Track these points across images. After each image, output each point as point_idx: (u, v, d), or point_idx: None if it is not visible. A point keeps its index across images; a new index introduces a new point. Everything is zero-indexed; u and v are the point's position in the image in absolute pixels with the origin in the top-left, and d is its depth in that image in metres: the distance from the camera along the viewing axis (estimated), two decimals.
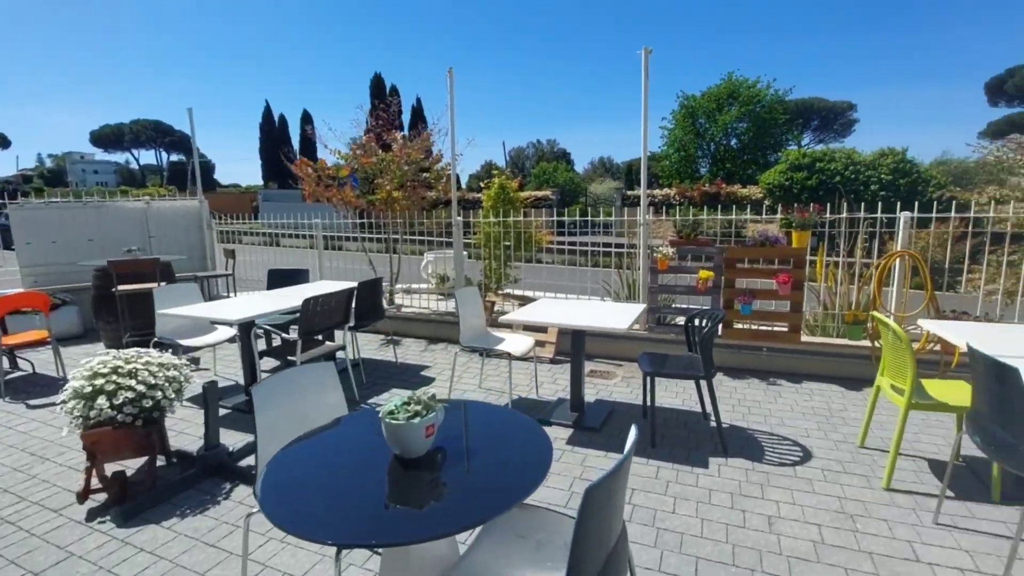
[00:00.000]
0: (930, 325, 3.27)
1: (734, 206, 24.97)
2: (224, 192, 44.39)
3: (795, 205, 4.76)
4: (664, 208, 27.50)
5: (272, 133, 45.80)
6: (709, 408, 3.69)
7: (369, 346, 6.09)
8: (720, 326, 4.93)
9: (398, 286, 7.32)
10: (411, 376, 5.02)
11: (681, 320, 5.11)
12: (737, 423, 3.85)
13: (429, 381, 4.89)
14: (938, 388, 3.07)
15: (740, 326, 5.01)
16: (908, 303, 4.60)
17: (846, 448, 3.44)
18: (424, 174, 7.17)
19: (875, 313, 3.22)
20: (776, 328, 4.94)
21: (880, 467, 3.16)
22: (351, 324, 4.70)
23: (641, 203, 5.51)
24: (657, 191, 29.33)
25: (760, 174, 23.38)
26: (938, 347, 4.32)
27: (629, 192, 29.81)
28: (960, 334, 2.99)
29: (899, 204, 4.74)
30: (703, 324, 3.64)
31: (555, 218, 6.57)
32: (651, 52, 5.03)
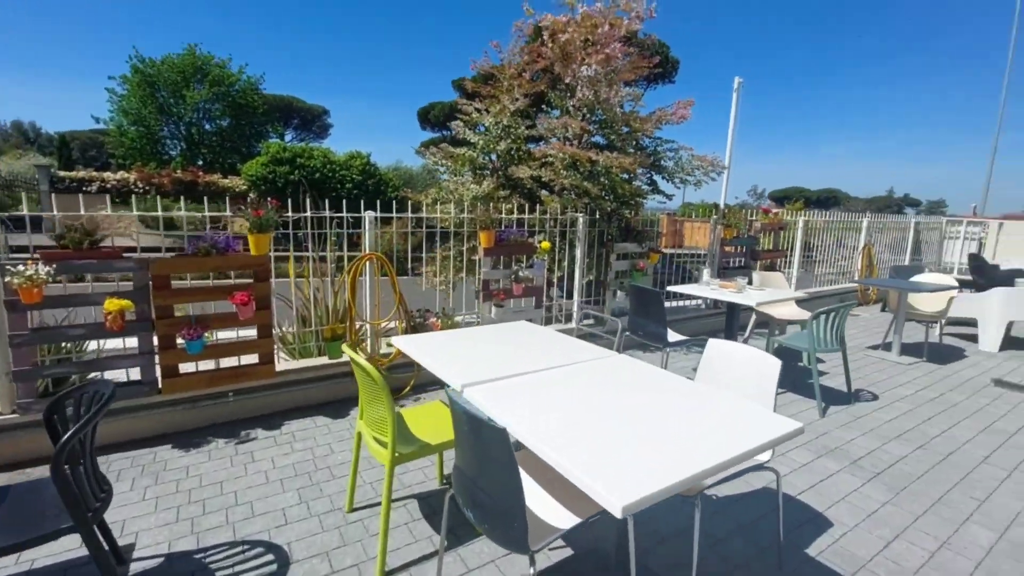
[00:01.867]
0: (401, 343, 2.83)
1: (216, 198, 22.40)
2: None
3: (251, 200, 3.64)
4: (122, 196, 21.68)
5: None
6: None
7: None
8: (153, 383, 3.29)
9: None
10: None
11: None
12: (181, 547, 2.41)
13: None
14: (421, 418, 2.63)
15: (191, 369, 3.53)
16: (383, 308, 4.35)
17: (333, 520, 2.63)
18: None
19: (346, 349, 2.45)
20: (244, 363, 3.75)
21: (374, 540, 2.48)
22: None
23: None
24: (110, 174, 22.80)
25: (243, 164, 21.71)
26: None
27: (64, 173, 21.86)
28: (425, 350, 2.62)
29: (363, 203, 4.39)
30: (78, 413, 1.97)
31: None
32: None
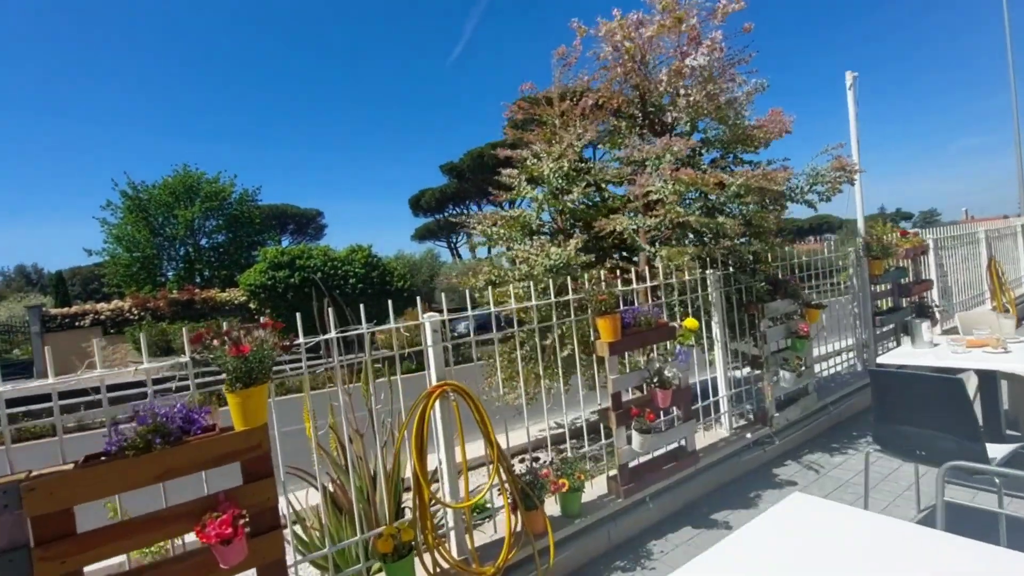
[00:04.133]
0: None
1: (213, 314, 21.01)
2: None
3: (226, 328, 1.99)
4: (117, 325, 20.31)
5: None
6: None
7: None
8: None
9: None
10: None
11: None
12: None
13: None
14: None
15: None
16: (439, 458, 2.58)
17: None
18: None
19: None
20: None
21: None
22: None
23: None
24: (103, 305, 21.57)
25: (241, 275, 20.55)
26: None
27: (55, 310, 20.63)
28: None
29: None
30: None
31: None
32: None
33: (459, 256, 47.74)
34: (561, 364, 3.41)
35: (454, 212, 52.03)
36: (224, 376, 1.85)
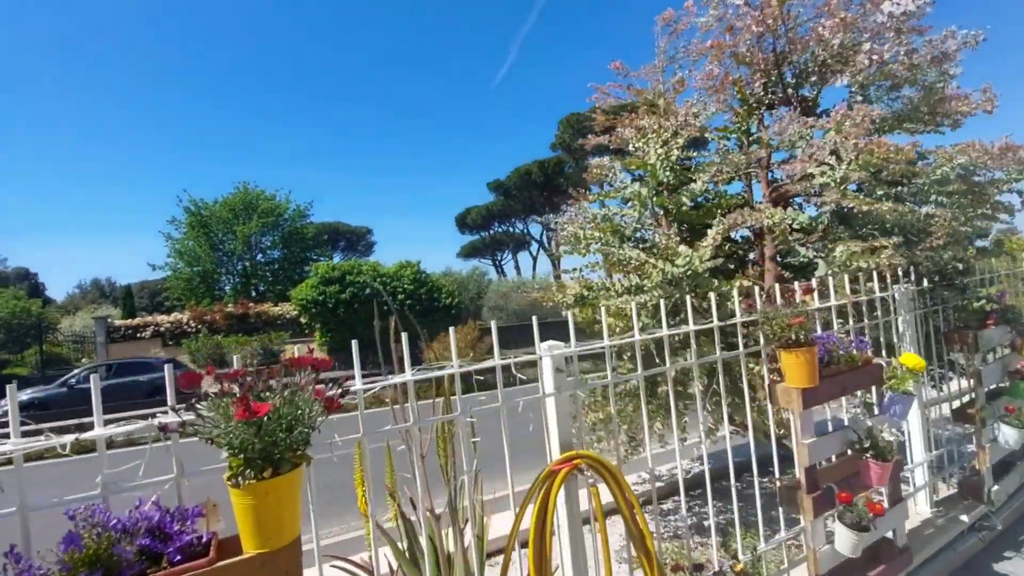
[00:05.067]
0: None
1: (266, 328, 21.06)
2: None
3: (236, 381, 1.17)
4: (175, 337, 20.67)
5: None
6: None
7: None
8: None
9: None
10: None
11: None
12: None
13: None
14: None
15: None
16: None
17: None
18: None
19: None
20: None
21: None
22: None
23: None
24: (163, 317, 22.09)
25: (293, 290, 20.58)
26: None
27: (120, 322, 21.28)
28: None
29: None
30: None
31: None
32: None
33: (504, 274, 47.16)
34: (674, 410, 2.44)
35: (499, 230, 51.78)
36: (225, 456, 1.03)
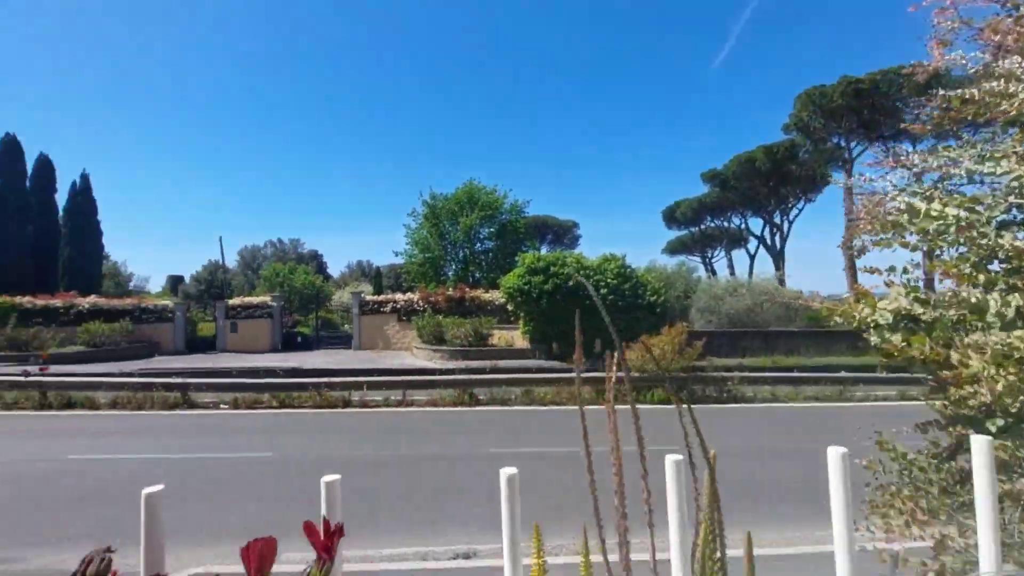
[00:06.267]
0: None
1: (478, 311, 23.06)
2: None
3: None
4: (407, 314, 24.17)
5: None
6: None
7: None
8: None
9: None
10: None
11: None
12: None
13: None
14: None
15: None
16: None
17: None
18: None
19: None
20: None
21: None
22: None
23: None
24: (399, 296, 26.03)
25: (503, 278, 22.09)
26: None
27: (370, 298, 25.79)
28: None
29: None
30: None
31: None
32: None
33: (714, 273, 43.23)
34: None
35: (712, 225, 47.48)
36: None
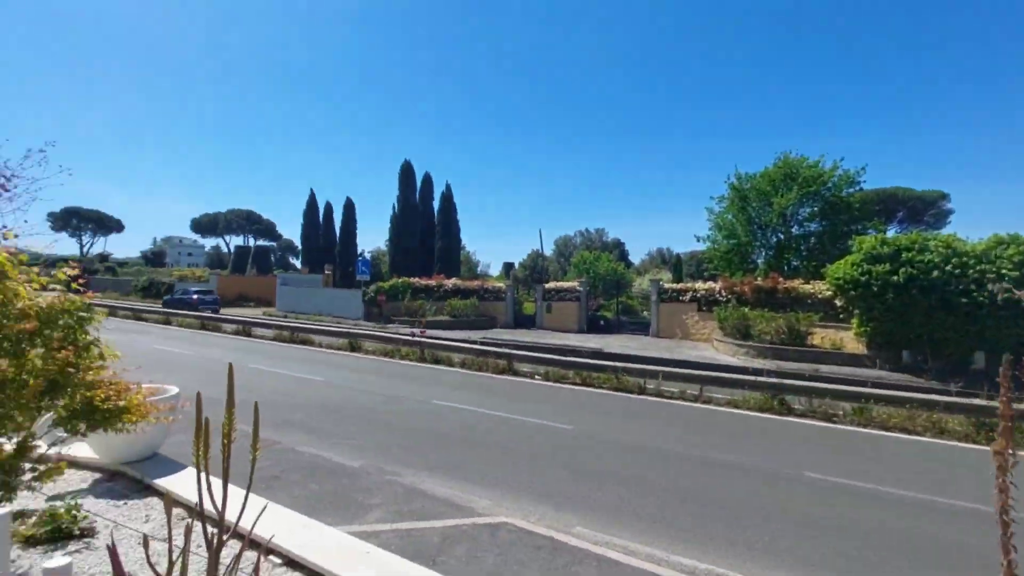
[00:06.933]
0: None
1: (794, 306, 19.86)
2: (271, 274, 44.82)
3: None
4: (707, 304, 22.77)
5: (314, 221, 46.42)
6: None
7: None
8: None
9: None
10: None
11: None
12: None
13: None
14: None
15: None
16: None
17: None
18: None
19: None
20: None
21: None
22: None
23: None
24: (700, 284, 24.72)
25: (830, 267, 18.41)
26: None
27: (668, 285, 25.39)
28: None
29: None
30: None
31: None
32: None
33: None
34: None
35: None
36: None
